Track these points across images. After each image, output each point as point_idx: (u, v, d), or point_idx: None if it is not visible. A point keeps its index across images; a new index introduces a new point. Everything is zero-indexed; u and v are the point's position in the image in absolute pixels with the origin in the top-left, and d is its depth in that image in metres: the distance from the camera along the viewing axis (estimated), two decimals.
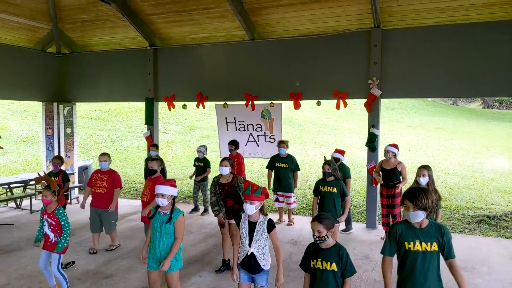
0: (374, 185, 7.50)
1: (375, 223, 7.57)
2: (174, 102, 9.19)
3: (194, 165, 8.68)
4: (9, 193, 9.10)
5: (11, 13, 8.79)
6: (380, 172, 6.75)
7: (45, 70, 10.04)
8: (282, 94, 8.20)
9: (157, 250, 3.96)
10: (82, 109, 18.50)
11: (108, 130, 17.25)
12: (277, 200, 7.82)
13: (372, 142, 7.44)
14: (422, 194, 2.94)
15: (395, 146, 6.73)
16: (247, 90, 8.41)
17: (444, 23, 7.06)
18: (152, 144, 8.81)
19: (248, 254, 3.67)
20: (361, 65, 7.52)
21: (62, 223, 4.52)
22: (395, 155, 6.66)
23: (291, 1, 7.60)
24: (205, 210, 8.72)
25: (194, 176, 8.65)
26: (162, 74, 9.27)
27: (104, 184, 6.19)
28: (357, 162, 12.77)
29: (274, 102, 8.35)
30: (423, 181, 4.99)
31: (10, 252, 6.24)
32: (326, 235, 3.13)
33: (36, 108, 17.34)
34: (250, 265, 3.70)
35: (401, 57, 7.29)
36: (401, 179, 6.58)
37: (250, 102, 8.40)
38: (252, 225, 3.70)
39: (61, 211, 4.54)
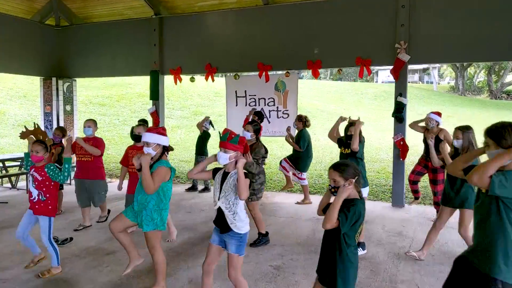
0: (402, 159, 6.85)
1: (402, 200, 6.93)
2: (181, 75, 8.54)
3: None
4: (4, 172, 8.51)
5: None
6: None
7: (43, 43, 9.41)
8: (299, 62, 7.55)
9: (135, 202, 3.57)
10: (83, 94, 17.89)
11: (110, 115, 16.64)
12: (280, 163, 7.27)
13: (399, 112, 6.78)
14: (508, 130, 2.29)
15: (439, 114, 6.06)
16: (260, 59, 7.74)
17: None
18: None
19: (216, 208, 3.18)
20: (386, 28, 6.85)
21: (52, 177, 3.91)
22: (438, 124, 6.00)
23: None
24: (206, 188, 8.15)
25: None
26: (168, 45, 8.62)
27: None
28: (369, 146, 12.16)
29: (289, 71, 7.69)
30: (457, 144, 4.30)
31: (2, 229, 5.64)
32: (344, 185, 2.55)
33: (35, 93, 16.74)
34: (219, 222, 3.18)
35: (431, 18, 6.62)
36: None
37: (263, 73, 7.74)
38: (225, 176, 3.17)
39: (52, 167, 3.92)
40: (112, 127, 15.31)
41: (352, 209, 2.54)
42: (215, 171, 3.31)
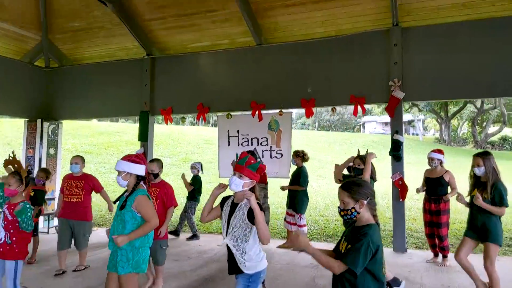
0: (401, 200, 6.55)
1: (404, 246, 6.52)
2: (172, 115, 8.34)
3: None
4: None
5: None
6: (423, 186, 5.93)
7: (31, 84, 9.19)
8: (292, 101, 7.43)
9: (110, 242, 3.11)
10: (69, 142, 17.54)
11: (96, 163, 16.19)
12: (285, 219, 6.93)
13: (397, 150, 6.59)
14: None
15: (441, 152, 5.91)
16: (253, 98, 7.62)
17: (468, 19, 6.50)
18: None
19: (225, 245, 2.81)
20: (380, 67, 6.85)
21: (21, 220, 3.44)
22: (441, 163, 5.80)
23: None
24: (194, 236, 7.65)
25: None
26: (160, 85, 8.50)
27: (80, 192, 5.17)
28: None
29: (283, 110, 7.55)
30: (479, 172, 4.07)
31: None
32: (354, 208, 2.22)
33: (21, 140, 16.32)
34: (229, 261, 2.79)
35: (423, 56, 6.65)
36: (450, 191, 5.66)
37: (257, 112, 7.59)
38: (234, 208, 2.80)
39: (27, 206, 3.49)
40: (98, 175, 14.78)
41: (364, 241, 2.13)
42: (223, 201, 2.91)
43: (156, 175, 4.60)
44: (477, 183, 4.12)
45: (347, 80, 7.04)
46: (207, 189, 8.30)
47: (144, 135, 8.38)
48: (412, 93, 6.66)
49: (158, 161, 4.76)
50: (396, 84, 6.62)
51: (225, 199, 2.93)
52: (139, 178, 3.19)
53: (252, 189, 2.79)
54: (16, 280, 3.47)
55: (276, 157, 7.67)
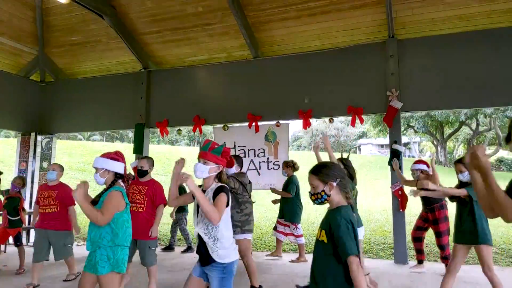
0: (401, 210, 6.43)
1: (405, 257, 6.36)
2: (167, 128, 8.26)
3: None
4: None
5: None
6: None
7: (26, 98, 9.14)
8: (289, 113, 7.40)
9: (88, 242, 3.00)
10: (64, 160, 17.28)
11: (90, 180, 15.89)
12: (275, 228, 6.83)
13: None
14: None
15: (422, 162, 5.84)
16: (250, 110, 7.58)
17: (463, 31, 6.56)
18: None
19: (196, 234, 2.72)
20: (377, 78, 6.86)
21: None
22: (422, 171, 5.72)
23: (298, 13, 7.13)
24: (189, 248, 7.48)
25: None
26: (156, 97, 8.45)
27: (54, 202, 4.94)
28: (361, 209, 11.71)
29: (280, 121, 7.50)
30: (463, 177, 3.95)
31: None
32: (324, 190, 2.15)
33: (14, 159, 16.15)
34: (200, 252, 2.70)
35: (420, 67, 6.68)
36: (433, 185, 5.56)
37: (253, 123, 7.53)
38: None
39: None
40: (91, 192, 14.57)
41: (340, 223, 2.06)
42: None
43: (146, 173, 4.48)
44: (462, 187, 3.98)
45: (344, 91, 7.03)
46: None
47: (140, 148, 8.26)
48: (409, 103, 6.64)
49: (148, 159, 4.64)
50: (394, 94, 6.61)
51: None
52: (117, 176, 3.07)
53: (219, 175, 2.76)
54: None
55: (273, 168, 7.57)
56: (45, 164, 9.11)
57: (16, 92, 8.90)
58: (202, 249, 2.66)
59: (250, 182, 4.64)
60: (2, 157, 17.14)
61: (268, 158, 7.61)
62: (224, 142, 2.93)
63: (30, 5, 8.22)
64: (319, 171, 2.21)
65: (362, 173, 24.87)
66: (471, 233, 3.82)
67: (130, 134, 40.62)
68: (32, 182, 8.85)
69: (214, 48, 8.10)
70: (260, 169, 7.59)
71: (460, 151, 40.82)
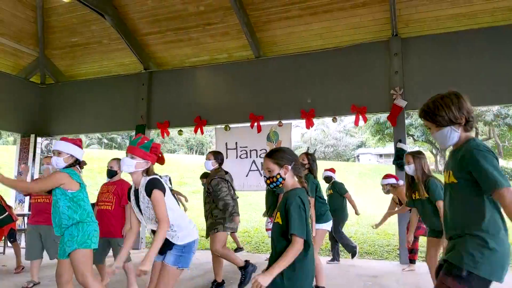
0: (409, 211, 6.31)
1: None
2: (168, 129, 8.18)
3: None
4: None
5: None
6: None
7: (26, 100, 9.06)
8: (292, 112, 7.32)
9: (55, 228, 3.11)
10: None
11: (89, 186, 15.79)
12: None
13: (400, 158, 6.42)
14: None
15: (391, 176, 5.83)
16: (252, 110, 7.51)
17: (467, 29, 6.53)
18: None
19: (150, 232, 2.72)
20: (380, 76, 6.81)
21: None
22: (391, 185, 5.70)
23: (300, 12, 7.11)
24: None
25: None
26: (157, 99, 8.38)
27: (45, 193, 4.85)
28: (364, 214, 11.60)
29: (282, 121, 7.42)
30: (409, 169, 3.88)
31: None
32: (279, 173, 2.19)
33: (12, 165, 16.03)
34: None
35: (424, 65, 6.63)
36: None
37: (255, 123, 7.45)
38: (137, 194, 2.68)
39: None
40: (90, 197, 14.47)
41: (294, 202, 2.08)
42: (128, 193, 2.80)
43: (115, 173, 4.47)
44: (412, 185, 3.89)
45: (347, 90, 6.97)
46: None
47: None
48: (414, 102, 6.57)
49: (118, 160, 4.59)
50: (398, 92, 6.55)
51: (129, 190, 2.80)
52: (77, 161, 3.18)
53: (147, 170, 2.68)
54: None
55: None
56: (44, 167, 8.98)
57: (16, 94, 8.82)
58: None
59: (227, 173, 4.55)
60: (1, 163, 17.02)
61: None
62: (152, 138, 2.85)
63: (31, 5, 8.19)
64: (275, 154, 2.23)
65: (363, 181, 24.80)
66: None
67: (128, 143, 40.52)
68: None
69: (215, 48, 8.06)
70: (262, 170, 7.49)
71: None
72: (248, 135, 7.59)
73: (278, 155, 2.22)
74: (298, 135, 44.83)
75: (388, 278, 5.19)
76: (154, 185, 2.56)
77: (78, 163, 3.20)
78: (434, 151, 37.81)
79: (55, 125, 9.18)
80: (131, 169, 2.62)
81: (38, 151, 8.94)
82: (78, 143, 3.18)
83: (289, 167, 2.19)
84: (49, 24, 8.57)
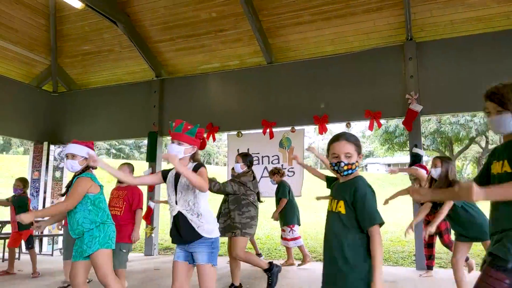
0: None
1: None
2: None
3: None
4: None
5: (10, 40, 8.14)
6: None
7: (39, 108, 9.11)
8: (304, 118, 7.26)
9: (70, 232, 3.08)
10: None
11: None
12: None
13: (415, 163, 6.28)
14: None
15: (424, 167, 5.68)
16: (264, 116, 7.47)
17: (483, 32, 6.45)
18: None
19: (174, 214, 2.64)
20: (395, 81, 6.73)
21: None
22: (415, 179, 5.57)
23: (312, 17, 7.09)
24: None
25: None
26: (169, 106, 8.39)
27: None
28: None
29: (295, 127, 7.36)
30: (435, 172, 3.80)
31: None
32: (357, 161, 2.04)
33: (24, 174, 16.13)
34: (181, 231, 2.61)
35: (439, 69, 6.55)
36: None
37: (268, 130, 7.40)
38: (178, 175, 2.71)
39: None
40: None
41: (366, 191, 1.99)
42: (165, 173, 2.82)
43: None
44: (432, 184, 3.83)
45: (361, 95, 6.90)
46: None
47: (153, 156, 8.16)
48: (429, 106, 6.49)
49: (129, 165, 4.70)
50: (413, 97, 6.47)
51: (167, 171, 2.86)
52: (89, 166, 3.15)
53: (193, 155, 2.79)
54: None
55: (288, 175, 7.38)
56: (57, 174, 9.01)
57: (28, 102, 8.88)
58: (186, 226, 2.59)
59: (255, 178, 4.50)
60: (13, 172, 17.13)
61: (282, 165, 7.43)
62: (198, 124, 2.87)
63: (44, 14, 8.27)
64: (354, 138, 2.07)
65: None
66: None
67: (136, 154, 40.63)
68: (45, 192, 8.73)
69: (227, 55, 8.06)
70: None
71: (468, 169, 40.28)
72: (261, 142, 7.54)
73: (357, 139, 2.06)
74: (305, 145, 44.68)
75: (406, 284, 5.06)
76: (202, 164, 2.75)
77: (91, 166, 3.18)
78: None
79: (67, 132, 9.21)
80: (180, 155, 2.66)
81: (51, 158, 8.98)
82: (90, 146, 3.23)
83: (362, 155, 2.07)
84: (62, 33, 8.63)
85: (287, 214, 6.35)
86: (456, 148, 35.59)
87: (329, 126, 7.20)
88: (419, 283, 5.12)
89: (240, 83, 7.96)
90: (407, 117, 6.50)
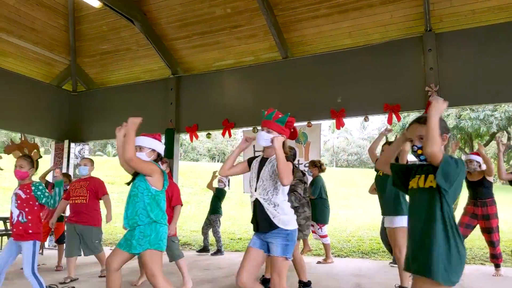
0: None
1: None
2: (197, 132, 8.20)
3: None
4: None
5: (31, 41, 8.31)
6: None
7: (59, 107, 9.29)
8: (321, 113, 7.20)
9: (125, 220, 2.97)
10: (93, 173, 17.57)
11: (118, 192, 16.13)
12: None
13: None
14: None
15: (477, 154, 5.57)
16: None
17: (505, 21, 6.26)
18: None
19: (252, 200, 2.64)
20: (414, 73, 6.60)
21: (39, 197, 3.44)
22: (480, 166, 5.43)
23: (328, 10, 7.01)
24: (218, 251, 7.50)
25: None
26: (185, 103, 8.44)
27: (84, 193, 4.99)
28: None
29: (311, 122, 7.30)
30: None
31: None
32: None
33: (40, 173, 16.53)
34: (259, 219, 2.59)
35: (459, 60, 6.38)
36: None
37: None
38: (263, 163, 2.69)
39: (40, 186, 3.46)
40: (120, 203, 14.71)
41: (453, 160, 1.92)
42: (250, 160, 2.80)
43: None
44: None
45: (379, 89, 6.79)
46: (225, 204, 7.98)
47: (170, 152, 8.22)
48: (450, 99, 6.21)
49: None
50: (433, 89, 6.34)
51: (252, 158, 2.85)
52: (159, 156, 3.17)
53: (282, 145, 2.72)
54: (34, 265, 3.24)
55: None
56: (77, 171, 9.18)
57: (49, 101, 9.07)
58: (262, 215, 2.57)
59: (304, 174, 4.48)
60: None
61: (299, 160, 7.39)
62: (288, 113, 2.86)
63: (63, 14, 8.42)
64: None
65: None
66: None
67: None
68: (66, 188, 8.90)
69: (241, 51, 8.04)
70: None
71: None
72: None
73: (441, 123, 1.97)
74: (322, 140, 44.42)
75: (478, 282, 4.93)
76: (290, 158, 2.70)
77: (160, 159, 3.17)
78: (463, 156, 36.65)
79: (87, 131, 9.38)
80: (267, 143, 2.65)
81: (72, 155, 9.15)
82: (158, 138, 3.18)
83: (447, 136, 2.00)
84: (80, 32, 8.77)
85: (319, 212, 6.33)
86: (476, 145, 34.79)
87: (346, 120, 7.07)
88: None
89: (255, 79, 7.94)
90: (427, 110, 6.36)
